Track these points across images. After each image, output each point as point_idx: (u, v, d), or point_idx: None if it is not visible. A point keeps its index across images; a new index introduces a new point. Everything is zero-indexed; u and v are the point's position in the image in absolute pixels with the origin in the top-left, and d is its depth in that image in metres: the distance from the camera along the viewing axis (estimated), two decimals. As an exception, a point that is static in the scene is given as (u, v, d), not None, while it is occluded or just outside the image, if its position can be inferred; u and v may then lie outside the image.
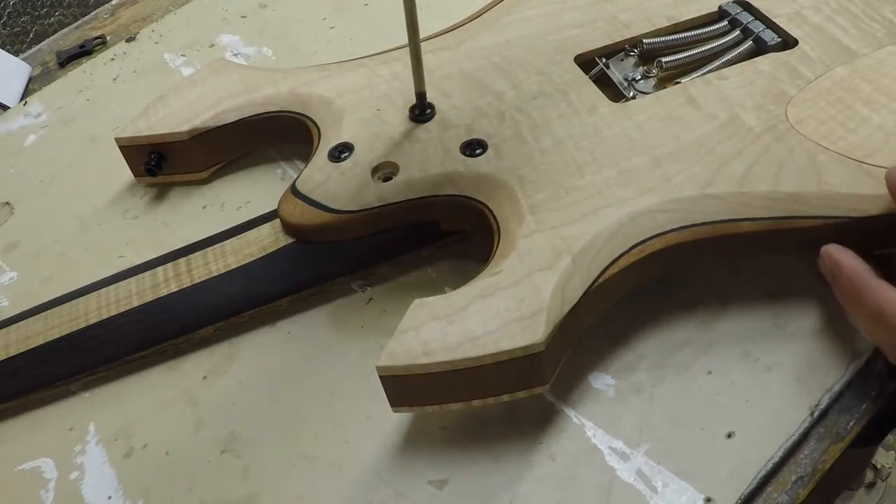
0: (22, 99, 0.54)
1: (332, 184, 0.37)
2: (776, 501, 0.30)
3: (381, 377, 0.30)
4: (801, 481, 0.31)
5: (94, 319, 0.37)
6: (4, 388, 0.36)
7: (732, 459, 0.31)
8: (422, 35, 0.44)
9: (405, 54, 0.43)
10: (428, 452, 0.32)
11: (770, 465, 0.30)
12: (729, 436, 0.31)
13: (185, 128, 0.42)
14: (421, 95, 0.38)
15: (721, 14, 0.42)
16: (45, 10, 0.68)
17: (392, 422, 0.33)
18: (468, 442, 0.32)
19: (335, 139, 0.39)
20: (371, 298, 0.38)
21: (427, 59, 0.42)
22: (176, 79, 0.52)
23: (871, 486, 0.83)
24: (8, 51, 0.58)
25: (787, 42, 0.40)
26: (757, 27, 0.41)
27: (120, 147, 0.43)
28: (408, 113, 0.39)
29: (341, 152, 0.38)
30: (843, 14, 0.41)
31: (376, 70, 0.42)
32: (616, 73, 0.41)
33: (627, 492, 0.30)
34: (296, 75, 0.43)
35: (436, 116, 0.38)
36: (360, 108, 0.40)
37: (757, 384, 0.33)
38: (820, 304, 0.35)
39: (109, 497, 0.33)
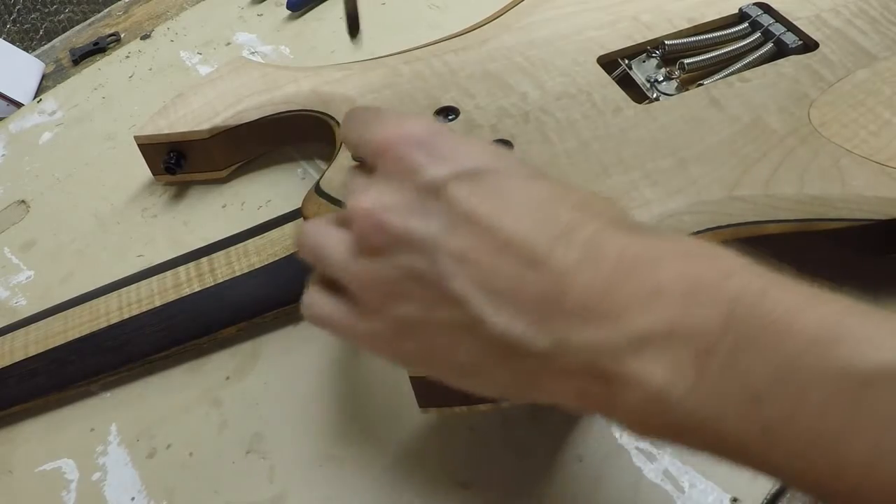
0: (36, 96, 0.53)
1: (356, 184, 0.37)
2: (801, 501, 0.30)
3: (410, 378, 0.30)
4: (825, 482, 0.31)
5: (115, 319, 0.37)
6: (24, 389, 0.36)
7: (759, 460, 0.31)
8: (441, 35, 0.45)
9: (427, 54, 0.43)
10: (455, 453, 0.32)
11: (795, 465, 0.31)
12: (755, 436, 0.31)
13: (205, 126, 0.41)
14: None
15: (742, 16, 0.43)
16: (54, 6, 0.68)
17: (419, 422, 0.33)
18: (495, 442, 0.32)
19: (359, 139, 0.38)
20: (395, 299, 0.37)
21: (449, 58, 0.42)
22: (192, 77, 0.51)
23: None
24: (18, 48, 0.57)
25: (808, 45, 0.40)
26: (778, 30, 0.41)
27: (139, 145, 0.43)
28: (431, 113, 0.39)
29: (365, 152, 0.38)
30: (862, 17, 0.41)
31: (398, 69, 0.42)
32: (639, 75, 0.41)
33: (654, 492, 0.30)
34: (317, 74, 0.43)
35: (460, 116, 0.38)
36: (382, 107, 0.40)
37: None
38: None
39: (133, 498, 0.33)
